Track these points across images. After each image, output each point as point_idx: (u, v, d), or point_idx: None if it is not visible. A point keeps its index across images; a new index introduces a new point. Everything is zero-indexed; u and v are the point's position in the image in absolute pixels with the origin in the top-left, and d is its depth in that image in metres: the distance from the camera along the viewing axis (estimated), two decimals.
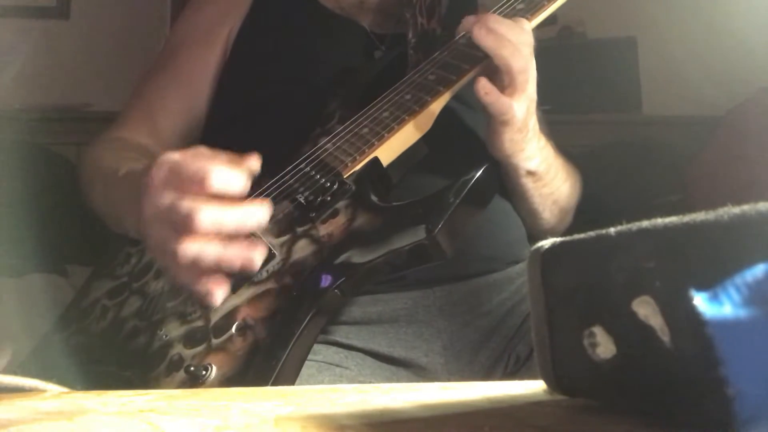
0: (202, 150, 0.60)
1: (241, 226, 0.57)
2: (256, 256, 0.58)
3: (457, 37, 0.77)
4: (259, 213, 0.58)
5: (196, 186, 0.56)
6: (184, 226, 0.55)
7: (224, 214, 0.56)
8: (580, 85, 1.85)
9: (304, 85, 0.85)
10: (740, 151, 1.37)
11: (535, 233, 0.91)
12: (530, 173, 0.80)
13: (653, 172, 1.50)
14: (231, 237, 0.57)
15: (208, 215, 0.55)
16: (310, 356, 0.64)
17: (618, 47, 1.94)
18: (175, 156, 0.58)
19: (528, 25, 0.74)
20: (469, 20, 0.73)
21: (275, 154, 0.76)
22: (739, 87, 1.50)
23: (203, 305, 0.63)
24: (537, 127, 0.77)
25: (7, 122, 1.54)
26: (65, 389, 0.39)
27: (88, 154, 0.85)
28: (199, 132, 0.91)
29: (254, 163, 0.61)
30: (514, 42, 0.71)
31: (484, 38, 0.71)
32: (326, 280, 0.62)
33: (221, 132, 0.89)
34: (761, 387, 0.24)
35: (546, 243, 0.33)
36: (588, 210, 0.97)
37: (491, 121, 0.73)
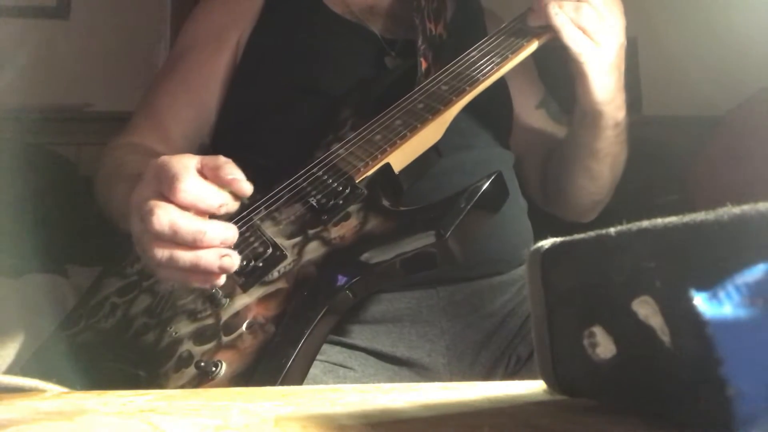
0: (218, 159, 0.60)
1: (197, 238, 0.55)
2: (235, 258, 0.57)
3: (471, 49, 0.77)
4: (222, 229, 0.57)
5: (167, 191, 0.56)
6: (144, 221, 0.55)
7: (181, 219, 0.55)
8: None
9: (316, 90, 0.85)
10: (740, 150, 1.37)
11: (575, 211, 0.93)
12: (617, 125, 0.81)
13: (653, 172, 1.49)
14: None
15: (164, 217, 0.55)
16: None
17: None
18: (171, 158, 0.59)
19: None
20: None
21: (287, 159, 0.76)
22: (739, 87, 1.49)
23: (206, 289, 0.63)
24: (623, 80, 0.79)
25: (7, 122, 1.54)
26: (65, 389, 0.39)
27: (106, 157, 0.85)
28: (209, 137, 0.91)
29: (245, 186, 0.59)
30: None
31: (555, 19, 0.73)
32: (338, 281, 0.62)
33: (233, 137, 0.89)
34: (761, 387, 0.24)
35: (546, 243, 0.33)
36: None
37: (575, 67, 0.75)
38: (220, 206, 0.57)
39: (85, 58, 1.76)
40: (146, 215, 0.55)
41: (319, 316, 0.61)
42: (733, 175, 1.33)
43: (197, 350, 0.62)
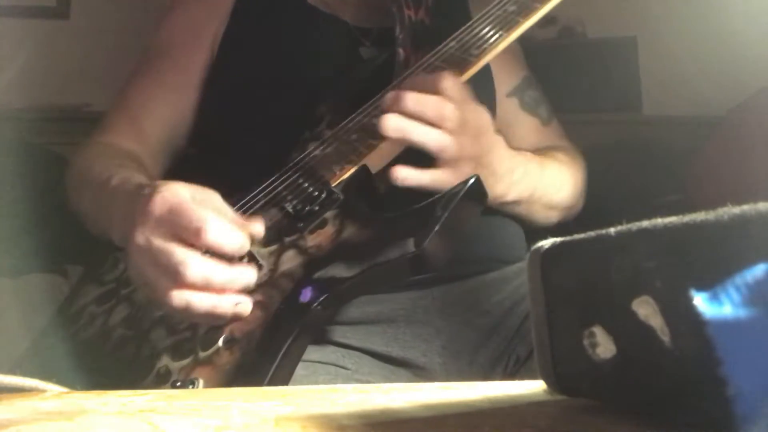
0: (213, 196, 0.60)
1: (228, 286, 0.57)
2: (248, 304, 0.58)
3: (448, 40, 0.74)
4: (248, 275, 0.58)
5: (191, 235, 0.55)
6: (174, 274, 0.55)
7: (214, 271, 0.56)
8: (579, 85, 1.85)
9: (289, 84, 0.83)
10: (741, 150, 1.37)
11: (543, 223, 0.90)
12: (515, 203, 0.78)
13: (653, 172, 1.50)
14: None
15: (198, 270, 0.55)
16: (306, 356, 0.63)
17: (618, 47, 1.94)
18: (180, 195, 0.58)
19: (454, 81, 0.68)
20: (386, 101, 0.67)
21: (263, 158, 0.75)
22: (739, 87, 1.49)
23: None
24: (509, 163, 0.73)
25: (7, 122, 1.53)
26: (65, 389, 0.39)
27: (76, 160, 0.83)
28: (186, 136, 0.88)
29: (258, 227, 0.61)
30: (435, 120, 0.65)
31: (393, 131, 0.65)
32: (307, 298, 0.61)
33: (209, 135, 0.87)
34: (761, 387, 0.24)
35: (546, 243, 0.33)
36: (588, 210, 0.97)
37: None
38: (241, 247, 0.58)
39: (85, 58, 1.76)
40: (176, 266, 0.54)
41: (294, 333, 0.59)
42: (733, 175, 1.33)
43: (175, 366, 0.61)
